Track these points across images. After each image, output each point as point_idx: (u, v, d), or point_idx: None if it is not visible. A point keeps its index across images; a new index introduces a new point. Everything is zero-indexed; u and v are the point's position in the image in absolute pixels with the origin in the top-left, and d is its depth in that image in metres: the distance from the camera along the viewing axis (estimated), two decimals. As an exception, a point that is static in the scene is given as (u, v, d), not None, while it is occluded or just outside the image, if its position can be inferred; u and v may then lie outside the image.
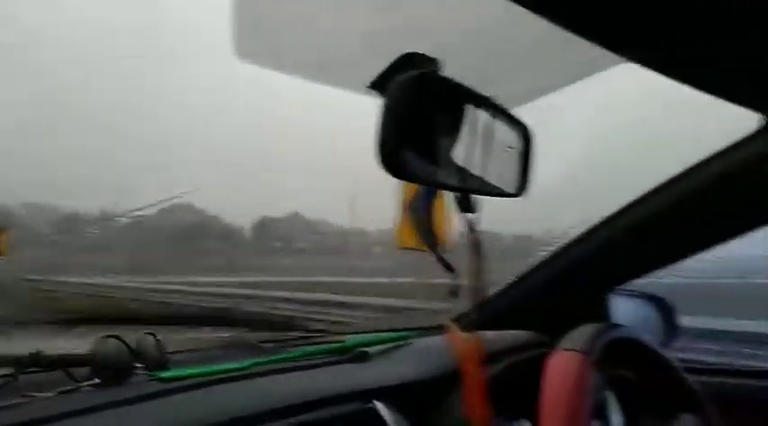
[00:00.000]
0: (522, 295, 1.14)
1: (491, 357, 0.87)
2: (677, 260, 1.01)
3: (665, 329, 1.22)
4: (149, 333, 0.73)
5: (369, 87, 0.59)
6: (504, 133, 0.62)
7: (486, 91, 0.57)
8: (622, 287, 1.13)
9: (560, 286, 1.09)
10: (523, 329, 1.06)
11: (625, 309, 1.20)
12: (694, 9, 0.55)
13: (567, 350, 0.71)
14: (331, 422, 0.68)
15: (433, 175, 0.52)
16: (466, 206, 0.56)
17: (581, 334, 0.74)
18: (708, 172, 0.89)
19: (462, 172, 0.56)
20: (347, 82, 0.62)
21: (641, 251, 1.02)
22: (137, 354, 0.69)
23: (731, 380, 1.10)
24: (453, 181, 0.55)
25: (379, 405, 0.72)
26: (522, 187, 0.63)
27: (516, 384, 0.83)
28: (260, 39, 0.61)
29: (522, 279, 1.14)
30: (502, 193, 0.63)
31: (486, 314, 1.17)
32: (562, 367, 0.69)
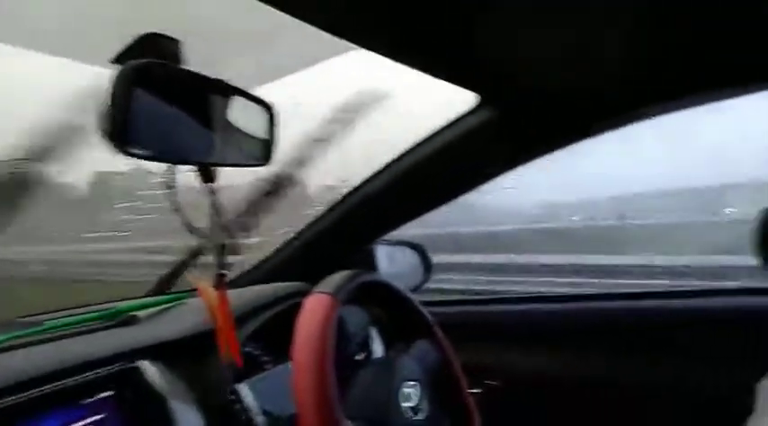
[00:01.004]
0: (300, 249, 1.25)
1: (259, 308, 0.96)
2: (423, 213, 1.21)
3: (423, 270, 1.45)
4: None
5: (112, 62, 0.60)
6: (248, 111, 0.69)
7: (228, 71, 0.63)
8: (385, 237, 1.31)
9: (331, 239, 1.22)
10: (300, 281, 1.17)
11: (390, 256, 1.39)
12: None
13: (319, 293, 0.80)
14: (93, 385, 0.71)
15: (167, 153, 0.57)
16: (206, 177, 0.62)
17: (333, 279, 0.84)
18: (438, 141, 1.07)
19: (203, 147, 0.62)
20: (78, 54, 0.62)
21: (396, 206, 1.19)
22: None
23: (456, 309, 1.37)
24: (193, 157, 0.60)
25: (145, 364, 0.76)
26: (266, 157, 0.71)
27: (285, 330, 0.94)
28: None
29: (300, 234, 1.25)
30: (247, 164, 0.71)
31: (267, 269, 1.27)
32: (313, 307, 0.78)
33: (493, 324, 1.32)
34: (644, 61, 0.89)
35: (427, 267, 1.45)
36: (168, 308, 0.94)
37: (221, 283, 0.68)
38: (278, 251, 1.25)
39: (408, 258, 1.43)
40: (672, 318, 1.18)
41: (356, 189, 1.17)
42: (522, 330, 1.29)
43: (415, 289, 1.41)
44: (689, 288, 1.21)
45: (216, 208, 0.63)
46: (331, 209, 1.21)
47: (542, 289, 2.43)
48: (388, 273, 1.35)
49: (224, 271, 0.68)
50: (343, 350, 1.03)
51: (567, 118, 1.01)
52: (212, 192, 0.63)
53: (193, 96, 0.59)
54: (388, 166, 1.13)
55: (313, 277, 1.17)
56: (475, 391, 1.24)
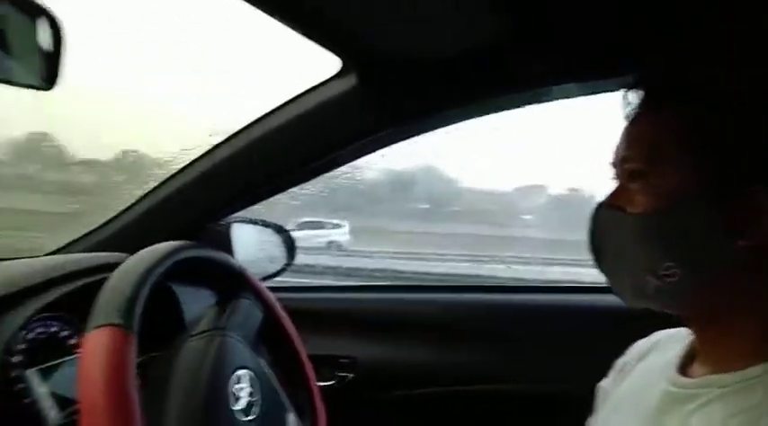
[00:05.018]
0: (135, 222, 1.09)
1: (58, 279, 0.79)
2: (280, 189, 1.10)
3: (286, 253, 1.33)
4: None
5: None
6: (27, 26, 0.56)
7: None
8: (237, 215, 1.17)
9: (172, 212, 1.07)
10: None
11: (247, 236, 1.26)
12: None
13: (101, 326, 0.58)
14: None
15: None
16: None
17: (110, 300, 0.61)
18: (294, 110, 0.97)
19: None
20: None
21: (249, 180, 1.06)
22: None
23: (309, 295, 1.28)
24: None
25: None
26: (51, 80, 0.58)
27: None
28: None
29: (136, 205, 1.09)
30: (29, 85, 0.58)
31: (94, 243, 1.09)
32: (93, 353, 0.57)
33: (348, 314, 1.24)
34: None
35: (290, 251, 1.34)
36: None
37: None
38: (108, 222, 1.08)
39: (269, 240, 1.31)
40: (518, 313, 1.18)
41: (202, 157, 1.04)
42: (382, 320, 1.22)
43: (275, 276, 1.30)
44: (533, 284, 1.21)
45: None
46: (173, 177, 1.06)
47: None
48: (244, 255, 1.23)
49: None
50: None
51: (430, 93, 0.96)
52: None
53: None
54: (239, 133, 1.02)
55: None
56: (326, 384, 1.15)
